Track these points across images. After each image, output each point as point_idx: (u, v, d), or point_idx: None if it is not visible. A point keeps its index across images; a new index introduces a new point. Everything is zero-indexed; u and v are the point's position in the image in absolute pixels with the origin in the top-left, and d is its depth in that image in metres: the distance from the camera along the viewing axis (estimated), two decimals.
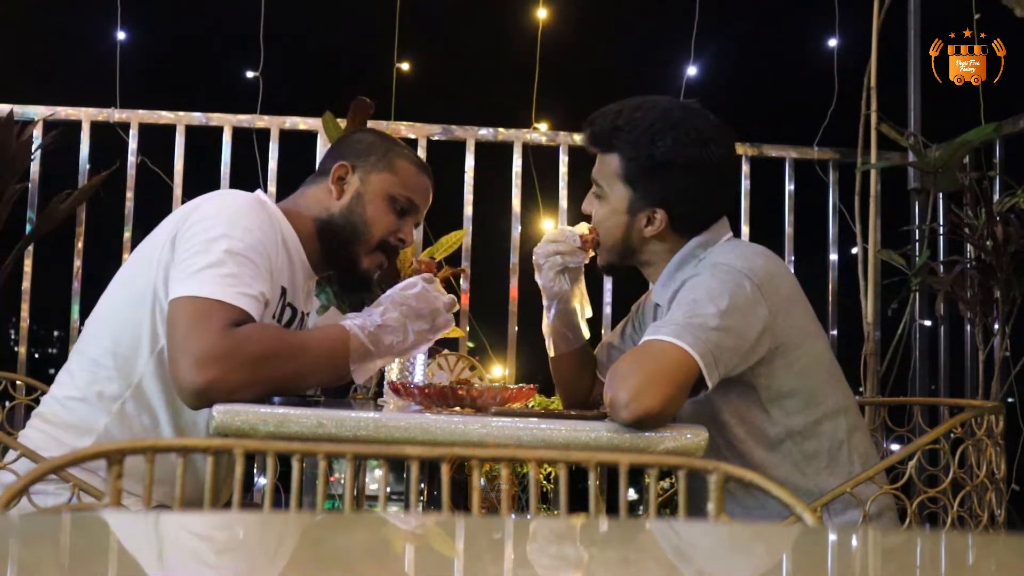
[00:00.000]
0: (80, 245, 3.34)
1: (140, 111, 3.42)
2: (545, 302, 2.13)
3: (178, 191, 3.41)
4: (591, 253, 2.08)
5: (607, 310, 3.45)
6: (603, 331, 3.39)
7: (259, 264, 1.84)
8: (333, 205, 2.04)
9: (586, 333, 2.18)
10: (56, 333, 4.82)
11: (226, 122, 3.43)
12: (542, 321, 2.17)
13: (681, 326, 1.77)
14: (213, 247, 1.81)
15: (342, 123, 3.16)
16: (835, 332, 3.58)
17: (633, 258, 2.05)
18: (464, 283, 3.36)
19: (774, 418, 1.92)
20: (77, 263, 3.34)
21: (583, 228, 2.08)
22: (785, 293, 1.91)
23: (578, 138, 3.52)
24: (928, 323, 3.60)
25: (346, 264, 2.07)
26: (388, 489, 1.32)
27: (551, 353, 2.18)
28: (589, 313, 2.17)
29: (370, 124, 3.17)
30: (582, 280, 2.12)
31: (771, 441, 1.92)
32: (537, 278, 2.10)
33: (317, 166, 2.13)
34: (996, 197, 3.32)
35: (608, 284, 3.45)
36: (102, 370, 1.91)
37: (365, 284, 2.10)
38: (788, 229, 3.62)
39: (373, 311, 1.86)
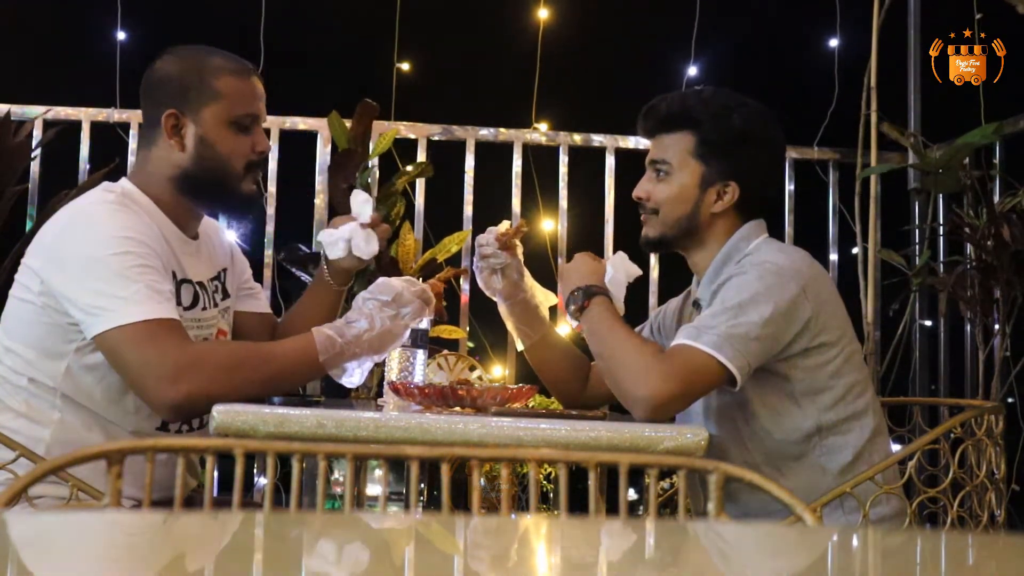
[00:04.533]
0: None
1: (140, 111, 3.41)
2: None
3: None
4: (518, 247, 2.13)
5: None
6: None
7: (153, 264, 1.83)
8: (181, 159, 1.95)
9: (545, 314, 2.21)
10: None
11: None
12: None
13: (723, 337, 1.82)
14: (106, 270, 1.79)
15: (347, 123, 3.16)
16: None
17: (690, 237, 2.06)
18: (465, 284, 3.36)
19: (806, 411, 1.94)
20: None
21: (503, 226, 2.12)
22: (826, 296, 1.96)
23: (578, 138, 3.52)
24: (928, 323, 3.60)
25: (225, 200, 2.02)
26: (388, 489, 1.32)
27: (518, 348, 2.25)
28: (552, 300, 2.21)
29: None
30: (525, 275, 2.16)
31: (798, 434, 1.95)
32: None
33: (145, 119, 2.02)
34: (996, 197, 3.32)
35: None
36: (24, 391, 1.90)
37: (251, 206, 2.05)
38: (788, 229, 3.62)
39: (352, 320, 1.87)
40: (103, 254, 1.81)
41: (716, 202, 2.02)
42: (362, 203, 2.08)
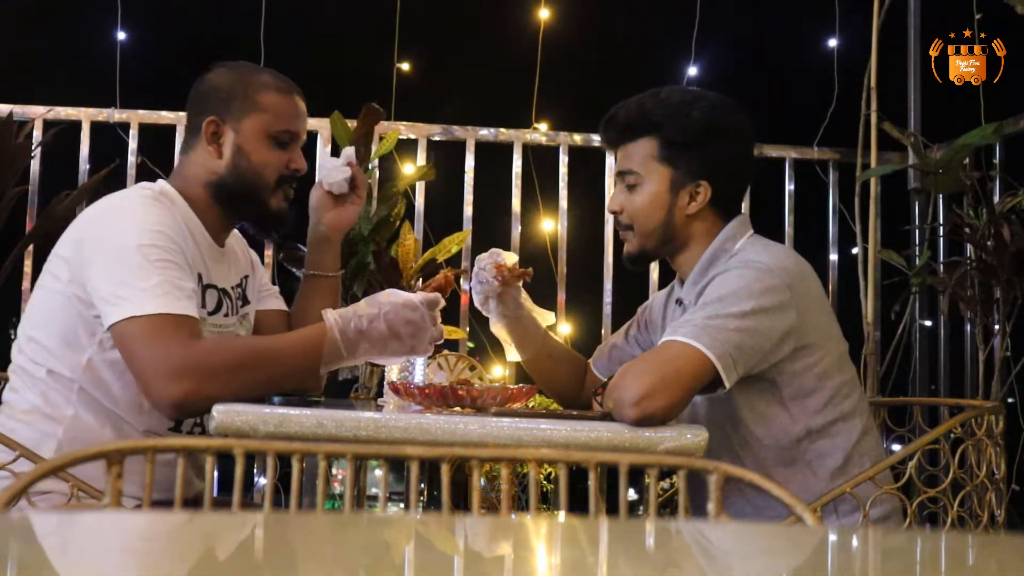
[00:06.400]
0: None
1: (140, 111, 3.42)
2: None
3: None
4: (519, 283, 2.07)
5: (607, 310, 3.45)
6: (602, 331, 3.39)
7: (177, 260, 1.85)
8: (217, 166, 1.99)
9: (543, 322, 2.17)
10: None
11: None
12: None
13: (699, 327, 1.79)
14: (129, 260, 1.80)
15: (351, 124, 3.16)
16: None
17: (671, 243, 2.03)
18: (464, 284, 3.36)
19: (794, 416, 1.92)
20: None
21: (509, 258, 2.06)
22: (813, 295, 1.93)
23: (578, 138, 3.52)
24: (928, 323, 3.60)
25: (254, 213, 2.04)
26: (388, 489, 1.32)
27: (508, 358, 2.21)
28: (550, 320, 2.17)
29: None
30: (521, 299, 2.11)
31: (788, 440, 1.93)
32: None
33: (188, 126, 2.05)
34: (996, 198, 3.32)
35: (608, 284, 3.44)
36: (42, 382, 1.91)
37: (280, 222, 2.07)
38: (788, 229, 3.62)
39: (363, 314, 1.83)
40: (130, 244, 1.82)
41: (690, 203, 1.99)
42: (331, 169, 2.12)
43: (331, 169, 2.12)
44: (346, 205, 2.14)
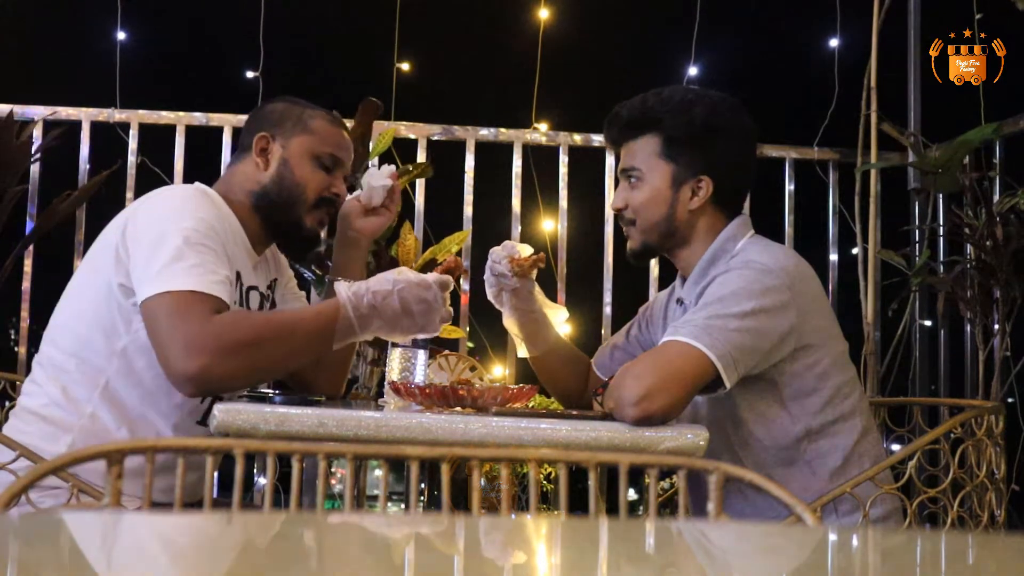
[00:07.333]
0: (80, 245, 3.34)
1: (140, 111, 3.42)
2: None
3: None
4: (533, 275, 2.07)
5: (607, 310, 3.45)
6: (603, 331, 3.40)
7: (216, 249, 1.87)
8: (262, 176, 2.07)
9: (558, 321, 2.18)
10: None
11: (226, 122, 3.43)
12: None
13: (700, 327, 1.79)
14: (169, 241, 1.83)
15: (348, 123, 3.16)
16: None
17: (673, 238, 2.04)
18: (465, 283, 3.36)
19: (794, 415, 1.93)
20: (77, 263, 3.33)
21: (523, 250, 2.07)
22: (813, 295, 1.93)
23: (578, 138, 3.52)
24: (928, 323, 3.59)
25: (291, 228, 2.09)
26: (388, 489, 1.32)
27: (519, 354, 2.21)
28: (564, 315, 2.18)
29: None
30: (535, 294, 2.11)
31: (788, 440, 1.93)
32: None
33: (240, 144, 2.15)
34: (996, 197, 3.32)
35: (608, 284, 3.44)
36: (66, 375, 1.92)
37: (313, 243, 2.14)
38: (788, 229, 3.62)
39: (376, 290, 1.82)
40: (172, 227, 1.85)
41: (692, 199, 2.00)
42: (375, 179, 2.17)
43: (373, 175, 2.18)
44: (377, 216, 2.21)
